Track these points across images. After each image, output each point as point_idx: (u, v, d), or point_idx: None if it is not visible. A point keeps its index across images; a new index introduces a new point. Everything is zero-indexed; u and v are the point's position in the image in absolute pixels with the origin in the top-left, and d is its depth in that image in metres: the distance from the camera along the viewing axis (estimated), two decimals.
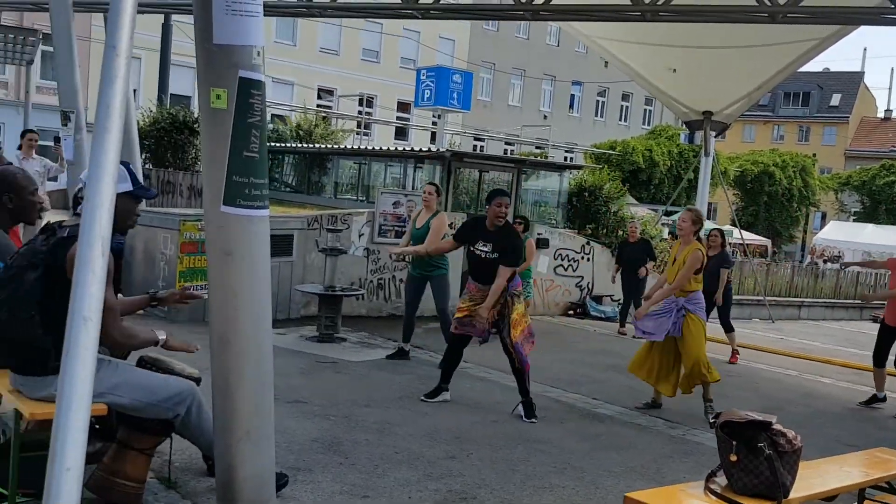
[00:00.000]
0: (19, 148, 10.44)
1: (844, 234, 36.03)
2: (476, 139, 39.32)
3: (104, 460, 3.60)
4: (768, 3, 8.57)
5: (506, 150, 39.62)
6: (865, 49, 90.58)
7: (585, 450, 5.63)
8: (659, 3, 9.19)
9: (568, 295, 13.84)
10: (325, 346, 8.49)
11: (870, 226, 37.99)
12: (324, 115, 26.32)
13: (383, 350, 8.72)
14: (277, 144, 17.59)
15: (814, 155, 48.09)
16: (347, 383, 6.88)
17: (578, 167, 16.17)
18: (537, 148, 38.41)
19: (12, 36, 13.62)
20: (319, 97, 35.36)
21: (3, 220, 3.97)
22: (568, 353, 10.07)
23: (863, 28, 11.49)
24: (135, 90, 29.82)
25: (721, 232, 10.53)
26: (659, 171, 35.48)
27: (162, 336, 3.59)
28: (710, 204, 49.41)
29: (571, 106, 45.08)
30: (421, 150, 12.78)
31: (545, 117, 41.36)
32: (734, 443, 3.06)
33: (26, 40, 13.70)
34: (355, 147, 17.20)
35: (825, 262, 33.94)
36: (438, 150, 12.77)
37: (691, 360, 6.81)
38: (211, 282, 2.97)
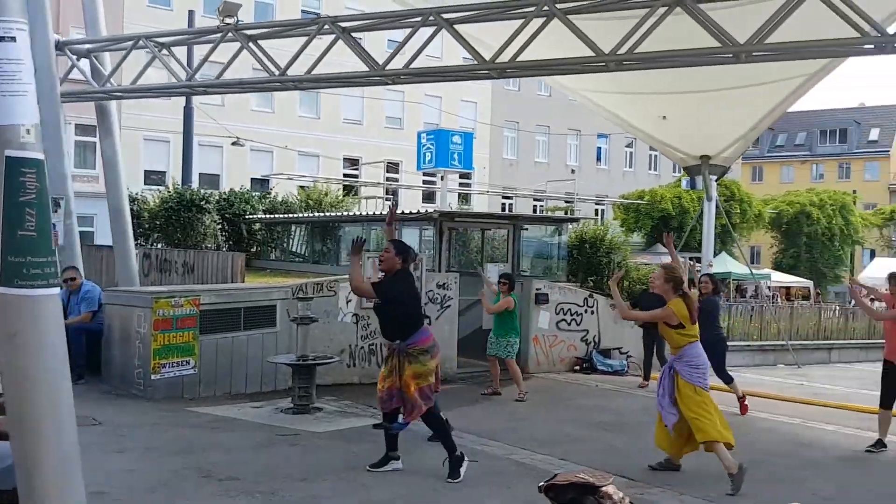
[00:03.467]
0: None
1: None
2: (504, 197, 39.37)
3: None
4: (730, 44, 8.42)
5: (534, 207, 39.61)
6: None
7: None
8: (620, 52, 9.10)
9: (573, 350, 13.49)
10: (296, 418, 8.35)
11: None
12: (339, 183, 26.65)
13: (358, 419, 8.55)
14: (284, 216, 17.77)
15: (854, 192, 46.93)
16: (296, 456, 6.73)
17: (575, 220, 15.98)
18: (566, 202, 38.35)
19: None
20: (346, 166, 35.92)
21: None
22: (558, 410, 9.74)
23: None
24: (163, 172, 30.79)
25: (711, 277, 10.38)
26: (690, 217, 35.05)
27: None
28: (752, 248, 48.34)
29: (599, 158, 45.00)
30: (412, 212, 12.80)
31: (573, 171, 41.30)
32: None
33: None
34: (354, 213, 17.26)
35: (872, 301, 32.56)
36: (427, 211, 12.74)
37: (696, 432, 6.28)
38: (2, 365, 2.92)
